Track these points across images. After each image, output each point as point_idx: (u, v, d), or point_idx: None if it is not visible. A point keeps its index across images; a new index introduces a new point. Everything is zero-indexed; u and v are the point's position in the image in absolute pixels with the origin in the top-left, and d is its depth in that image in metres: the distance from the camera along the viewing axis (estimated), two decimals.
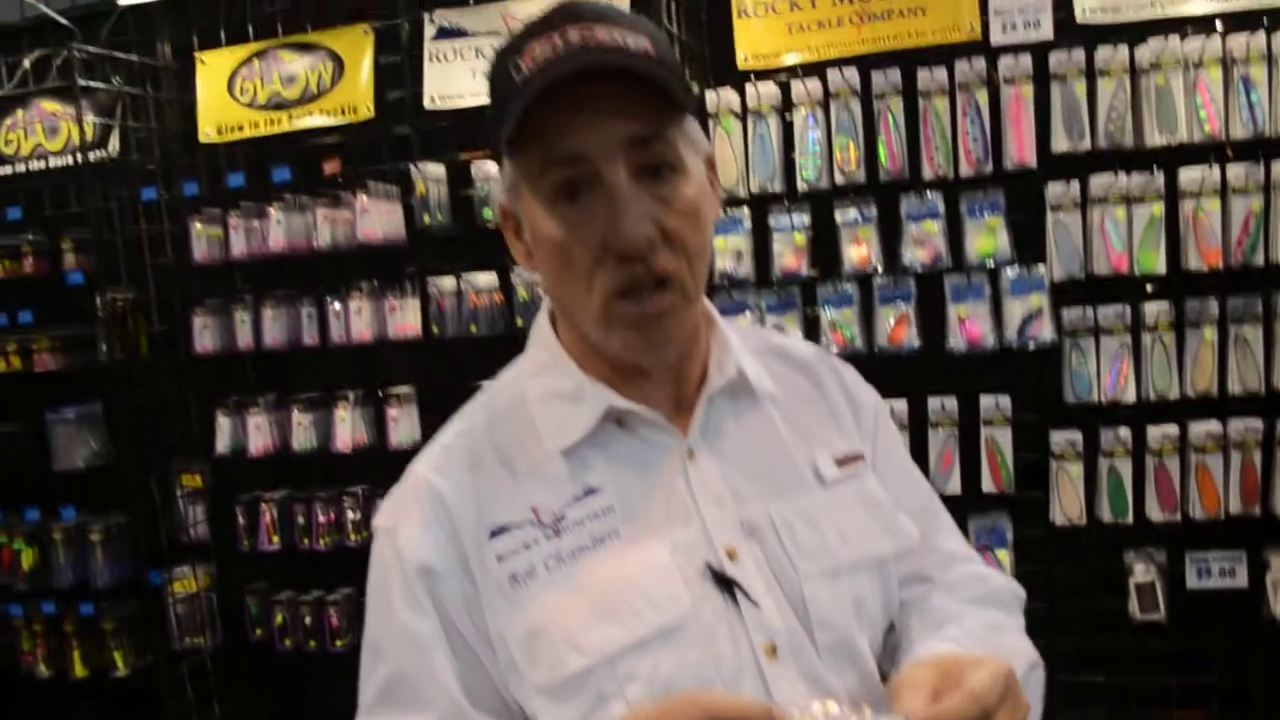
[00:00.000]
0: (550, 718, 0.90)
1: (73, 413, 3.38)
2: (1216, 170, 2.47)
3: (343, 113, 3.10)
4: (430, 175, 2.96)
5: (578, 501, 0.95)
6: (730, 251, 2.71)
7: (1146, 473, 2.56)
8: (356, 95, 3.09)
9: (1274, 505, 2.49)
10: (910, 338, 2.64)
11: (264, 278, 3.23)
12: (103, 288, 3.19)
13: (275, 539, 3.19)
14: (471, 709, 0.92)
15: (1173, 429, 2.54)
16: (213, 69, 3.22)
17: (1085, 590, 2.65)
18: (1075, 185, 2.54)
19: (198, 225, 3.15)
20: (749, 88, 2.70)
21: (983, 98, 2.57)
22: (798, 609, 0.95)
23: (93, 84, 3.17)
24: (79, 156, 3.22)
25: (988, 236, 2.59)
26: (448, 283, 2.98)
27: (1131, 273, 2.53)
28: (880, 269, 2.66)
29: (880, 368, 2.61)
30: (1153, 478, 2.55)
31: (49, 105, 3.40)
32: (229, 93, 3.20)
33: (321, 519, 3.14)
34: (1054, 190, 2.56)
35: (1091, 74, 2.51)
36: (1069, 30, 2.55)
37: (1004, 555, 2.63)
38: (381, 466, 3.10)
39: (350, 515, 3.13)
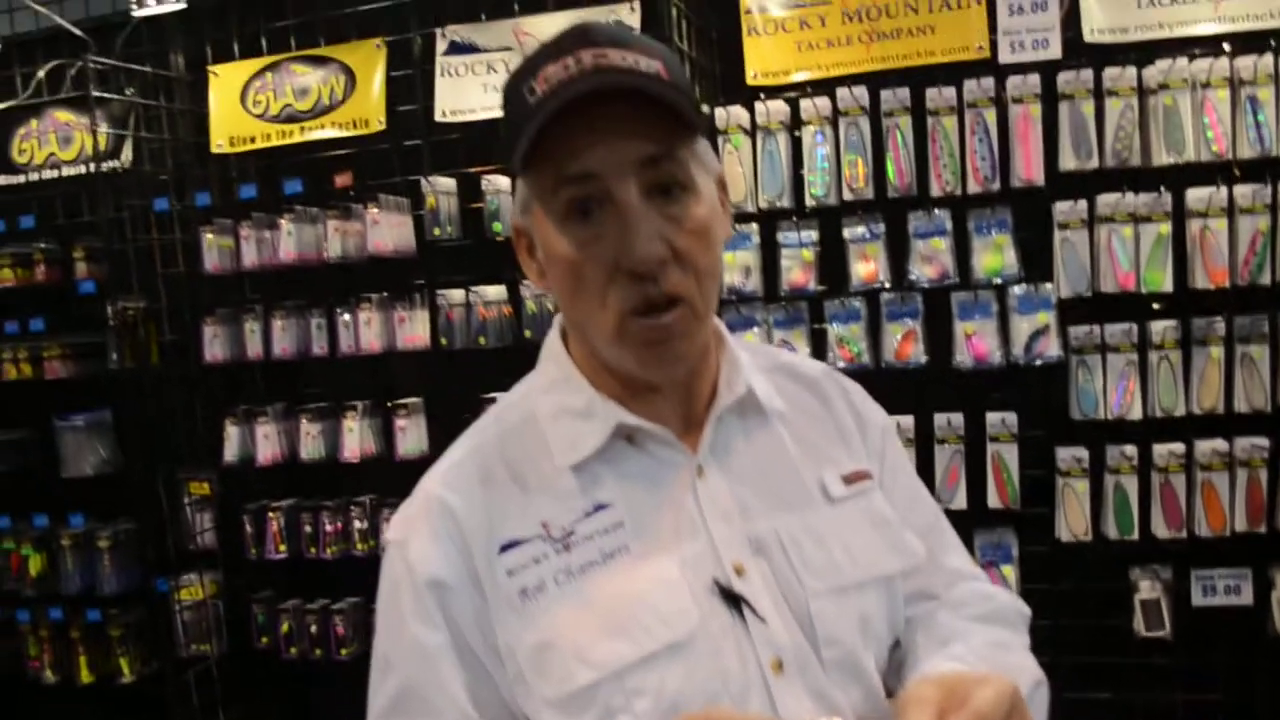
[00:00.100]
0: None
1: (82, 420, 3.40)
2: (1224, 190, 2.48)
3: (354, 126, 3.13)
4: (440, 188, 2.99)
5: (588, 517, 0.96)
6: (739, 267, 2.72)
7: (1152, 490, 2.56)
8: (368, 108, 3.11)
9: (1279, 523, 2.49)
10: (917, 354, 2.65)
11: (274, 288, 3.26)
12: (114, 296, 3.22)
13: (282, 547, 3.20)
14: None
15: (1179, 446, 2.54)
16: (226, 81, 3.25)
17: (1090, 607, 2.65)
18: (1083, 204, 2.55)
19: (209, 235, 3.17)
20: (758, 105, 2.72)
21: (991, 116, 2.58)
22: (804, 625, 0.95)
23: (106, 95, 3.21)
24: (92, 166, 3.25)
25: (995, 254, 2.60)
26: (457, 295, 3.00)
27: (1138, 291, 2.53)
28: (888, 285, 2.67)
29: (887, 383, 2.62)
30: (1158, 495, 2.55)
31: (63, 115, 3.43)
32: (241, 104, 3.23)
33: (328, 528, 3.16)
34: (1061, 208, 2.57)
35: (1099, 93, 2.53)
36: (1077, 50, 2.57)
37: (1009, 571, 2.64)
38: (389, 477, 3.12)
39: (357, 525, 3.14)
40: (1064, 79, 2.55)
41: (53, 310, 3.41)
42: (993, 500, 2.65)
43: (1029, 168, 2.57)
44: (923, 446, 2.68)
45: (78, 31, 3.23)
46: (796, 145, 2.73)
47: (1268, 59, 2.44)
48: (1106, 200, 2.54)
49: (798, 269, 2.72)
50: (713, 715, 0.78)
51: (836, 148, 2.69)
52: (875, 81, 2.68)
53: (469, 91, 2.99)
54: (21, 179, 3.48)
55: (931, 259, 2.63)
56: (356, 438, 3.12)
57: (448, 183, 3.01)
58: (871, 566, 1.01)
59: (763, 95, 2.75)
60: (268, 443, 3.18)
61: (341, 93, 3.14)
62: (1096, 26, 2.56)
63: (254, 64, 3.22)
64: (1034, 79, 2.56)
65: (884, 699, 0.99)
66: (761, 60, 2.77)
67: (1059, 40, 2.55)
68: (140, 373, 3.27)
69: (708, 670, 0.91)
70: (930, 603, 1.09)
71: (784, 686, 0.92)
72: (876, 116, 2.67)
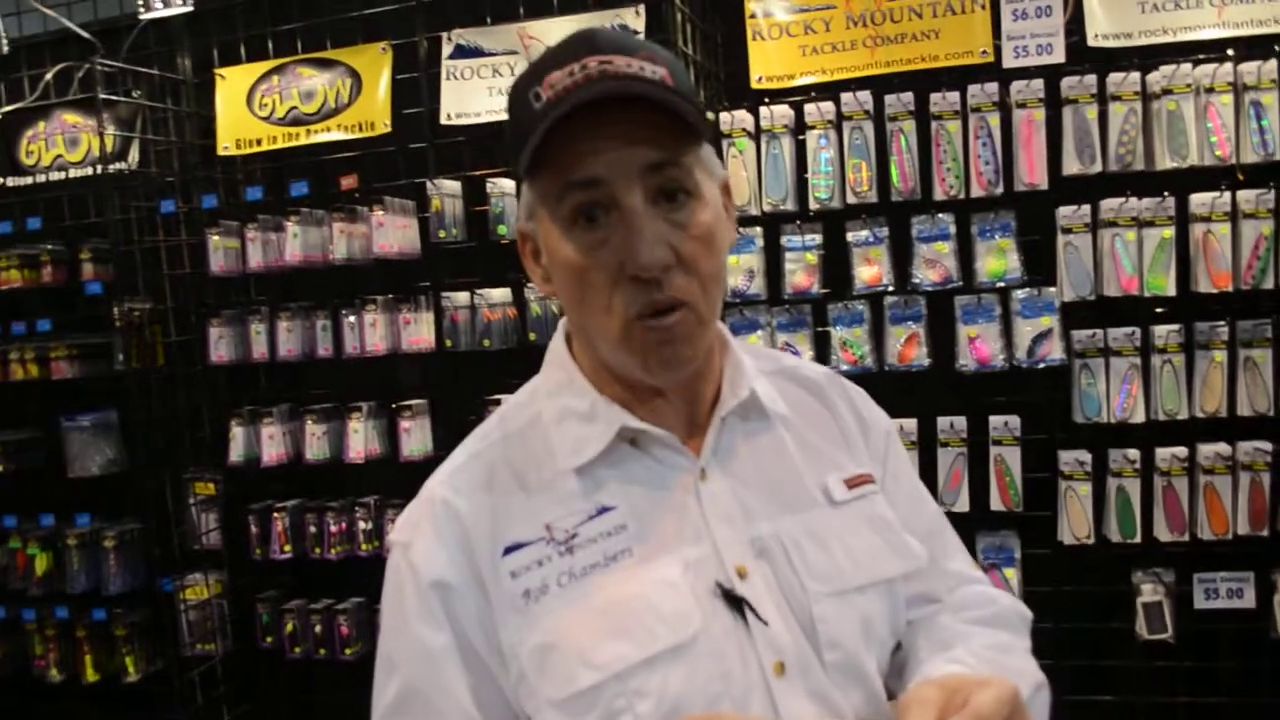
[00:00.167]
0: None
1: (88, 420, 3.42)
2: (1227, 194, 2.48)
3: (360, 128, 3.14)
4: (445, 191, 3.00)
5: (591, 519, 0.97)
6: (743, 269, 2.73)
7: (1155, 493, 2.56)
8: (374, 111, 3.12)
9: None
10: (920, 357, 2.66)
11: (280, 290, 3.27)
12: (120, 298, 3.24)
13: (287, 548, 3.21)
14: None
15: (1181, 450, 2.55)
16: (232, 84, 3.26)
17: (1092, 610, 2.66)
18: (1086, 208, 2.56)
19: (215, 237, 3.18)
20: (763, 109, 2.73)
21: (994, 120, 2.59)
22: (806, 628, 0.96)
23: (114, 97, 3.23)
24: (99, 168, 3.26)
25: (998, 257, 2.61)
26: (461, 297, 3.01)
27: (1141, 295, 2.54)
28: (891, 288, 2.68)
29: (890, 386, 2.63)
30: (1161, 498, 2.56)
31: (70, 117, 3.45)
32: (248, 107, 3.24)
33: (333, 529, 3.17)
34: (1065, 212, 2.57)
35: (1103, 98, 2.53)
36: (1081, 54, 2.57)
37: (1012, 574, 2.64)
38: (393, 477, 3.13)
39: (362, 525, 3.15)
40: (1068, 83, 2.55)
41: (59, 311, 3.43)
42: (995, 503, 2.65)
43: (1032, 172, 2.58)
44: (925, 449, 2.68)
45: (85, 34, 3.24)
46: (801, 149, 2.73)
47: (1271, 64, 2.45)
48: (1110, 204, 2.54)
49: (801, 272, 2.73)
50: (714, 718, 0.79)
51: (840, 151, 2.70)
52: (879, 85, 2.69)
53: (474, 95, 3.01)
54: (29, 180, 3.50)
55: (935, 262, 2.64)
56: (361, 439, 3.13)
57: (453, 185, 3.02)
58: (873, 570, 1.02)
59: (767, 99, 2.76)
60: (273, 443, 3.19)
61: (347, 96, 3.15)
62: (1100, 31, 2.56)
63: (260, 67, 3.24)
64: (1038, 83, 2.57)
65: (885, 702, 0.99)
66: (766, 64, 2.78)
67: (1063, 45, 2.56)
68: (146, 373, 3.28)
69: (710, 672, 0.91)
70: (932, 606, 1.10)
71: (785, 689, 0.93)
72: (880, 120, 2.68)
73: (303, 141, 3.20)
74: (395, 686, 0.96)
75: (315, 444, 3.17)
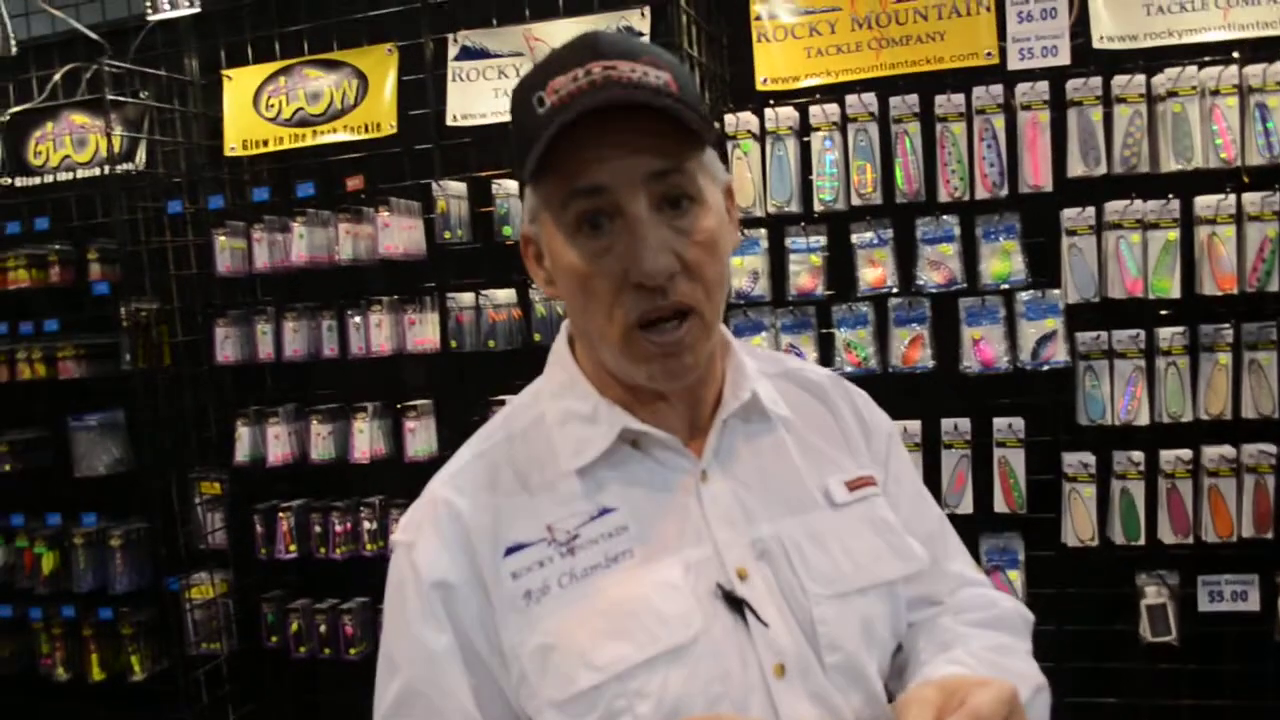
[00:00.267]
0: None
1: (95, 420, 3.44)
2: (1232, 197, 2.48)
3: (366, 129, 3.15)
4: (451, 192, 3.00)
5: (592, 521, 0.97)
6: (747, 271, 2.74)
7: (1159, 495, 2.56)
8: (380, 112, 3.13)
9: None
10: (924, 358, 2.66)
11: (286, 290, 3.28)
12: (127, 298, 3.25)
13: (292, 547, 3.22)
14: None
15: (1186, 452, 2.54)
16: (239, 85, 3.28)
17: (1096, 612, 2.66)
18: (1091, 210, 2.56)
19: (221, 238, 3.19)
20: (768, 110, 2.73)
21: (999, 123, 2.59)
22: (806, 630, 0.97)
23: (121, 98, 3.24)
24: (106, 169, 3.28)
25: (1003, 259, 2.61)
26: (467, 298, 3.02)
27: (1146, 297, 2.54)
28: (896, 290, 2.68)
29: (894, 388, 2.63)
30: (1165, 500, 2.56)
31: (78, 118, 3.46)
32: (255, 108, 3.25)
33: (338, 528, 3.18)
34: (1069, 214, 2.57)
35: (1108, 100, 2.53)
36: (1086, 57, 2.57)
37: (1015, 576, 2.64)
38: (398, 478, 3.14)
39: (366, 525, 3.16)
40: (1073, 86, 2.55)
41: (67, 311, 3.45)
42: (999, 505, 2.65)
43: (1037, 174, 2.58)
44: (930, 451, 2.68)
45: (93, 35, 3.26)
46: (805, 151, 2.74)
47: (1277, 66, 2.45)
48: (1114, 207, 2.54)
49: (806, 274, 2.73)
50: (714, 719, 0.80)
51: (845, 153, 2.70)
52: (884, 87, 2.69)
53: (480, 96, 3.01)
54: (37, 181, 3.51)
55: (939, 264, 2.64)
56: (366, 439, 3.14)
57: (458, 186, 3.03)
58: (874, 572, 1.02)
59: (772, 101, 2.76)
60: (278, 443, 3.20)
61: (354, 97, 3.16)
62: (1105, 33, 2.56)
63: (267, 68, 3.25)
64: (1043, 85, 2.57)
65: (885, 703, 0.99)
66: (771, 66, 2.78)
67: (1068, 47, 2.56)
68: (153, 373, 3.29)
69: (710, 673, 0.92)
70: (933, 608, 1.10)
71: (785, 690, 0.93)
72: (885, 122, 2.68)
73: (309, 142, 3.21)
74: (397, 687, 0.97)
75: (320, 444, 3.18)
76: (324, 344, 3.17)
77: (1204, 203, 2.50)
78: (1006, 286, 2.61)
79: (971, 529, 2.65)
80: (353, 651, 3.16)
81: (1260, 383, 2.50)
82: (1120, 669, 2.65)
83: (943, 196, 2.64)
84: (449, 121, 3.04)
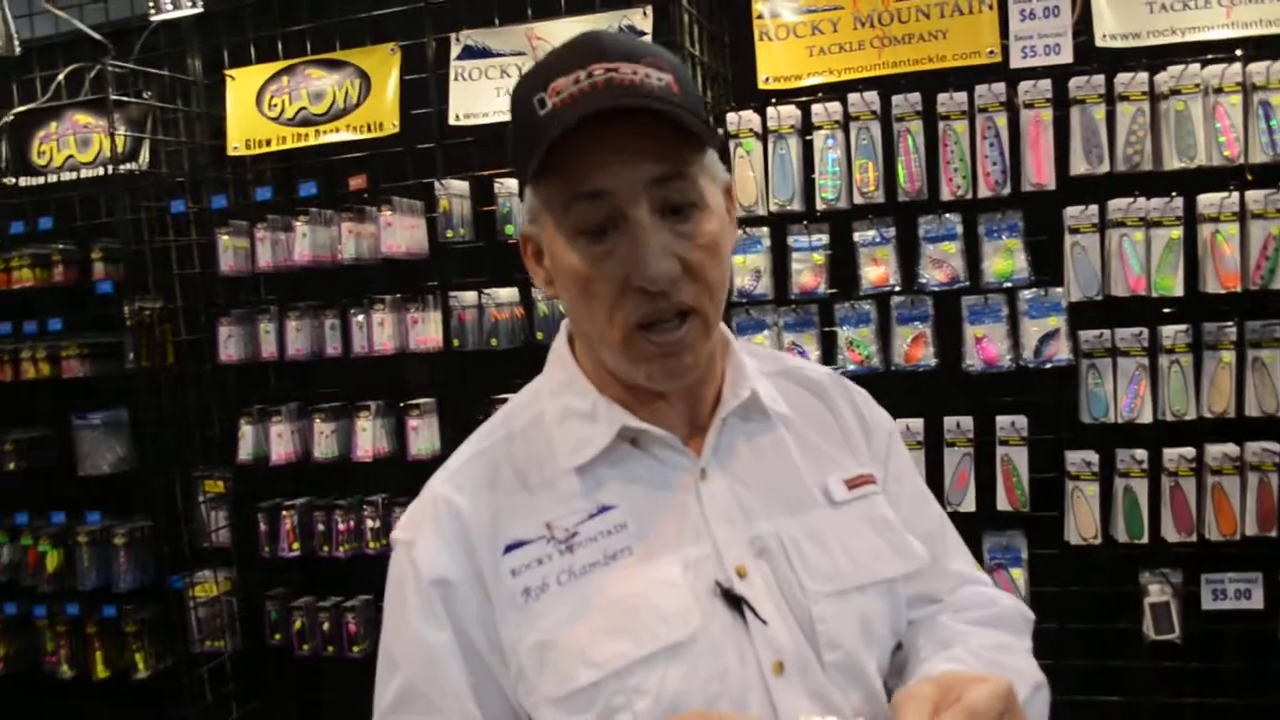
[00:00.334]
0: None
1: (99, 418, 3.44)
2: (1235, 195, 2.47)
3: (369, 129, 3.16)
4: (453, 191, 3.01)
5: (591, 518, 0.97)
6: (749, 269, 2.74)
7: (1162, 494, 2.56)
8: (382, 112, 3.14)
9: None
10: (927, 357, 2.66)
11: (289, 289, 3.29)
12: (131, 297, 3.26)
13: (295, 546, 3.23)
14: (483, 718, 0.95)
15: (1189, 451, 2.54)
16: (242, 84, 3.28)
17: (1100, 610, 2.65)
18: (1094, 208, 2.55)
19: (224, 237, 3.20)
20: (770, 109, 2.73)
21: (1002, 121, 2.59)
22: (805, 628, 0.97)
23: (125, 98, 3.25)
24: (110, 168, 3.28)
25: (1005, 258, 2.61)
26: (469, 297, 3.03)
27: (1149, 295, 2.53)
28: (898, 288, 2.68)
29: (897, 386, 2.64)
30: (1168, 499, 2.55)
31: (82, 118, 3.47)
32: (258, 108, 3.26)
33: (341, 527, 3.18)
34: (1072, 213, 2.57)
35: (1111, 98, 2.53)
36: (1089, 55, 2.57)
37: (1018, 574, 2.64)
38: (401, 476, 3.14)
39: (369, 523, 3.17)
40: (1075, 84, 2.55)
41: (71, 310, 3.45)
42: (1002, 503, 2.65)
43: (1040, 172, 2.57)
44: (932, 449, 2.68)
45: (97, 36, 3.27)
46: (808, 149, 2.74)
47: None
48: (1117, 205, 2.54)
49: (808, 272, 2.73)
50: (710, 717, 0.80)
51: (847, 152, 2.70)
52: (886, 86, 2.69)
53: (482, 95, 3.02)
54: (41, 180, 3.52)
55: (942, 263, 2.64)
56: (369, 437, 3.14)
57: (460, 185, 3.04)
58: (873, 570, 1.02)
59: (774, 99, 2.76)
60: (282, 442, 3.21)
61: (356, 96, 3.17)
62: (1108, 31, 2.56)
63: (270, 68, 3.26)
64: (1045, 84, 2.57)
65: (884, 702, 0.99)
66: (773, 65, 2.78)
67: (1070, 45, 2.55)
68: (156, 372, 3.30)
69: (708, 671, 0.92)
70: (933, 606, 1.10)
71: (784, 688, 0.93)
72: (887, 121, 2.68)
73: (312, 142, 3.22)
74: (396, 684, 0.97)
75: (324, 442, 3.19)
76: (327, 343, 3.17)
77: (1207, 200, 2.50)
78: (1009, 285, 2.61)
79: (974, 527, 2.65)
80: (356, 649, 3.16)
81: (1264, 381, 2.50)
82: (1123, 667, 2.65)
83: (945, 195, 2.64)
84: (451, 121, 3.04)
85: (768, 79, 2.78)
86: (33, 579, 3.48)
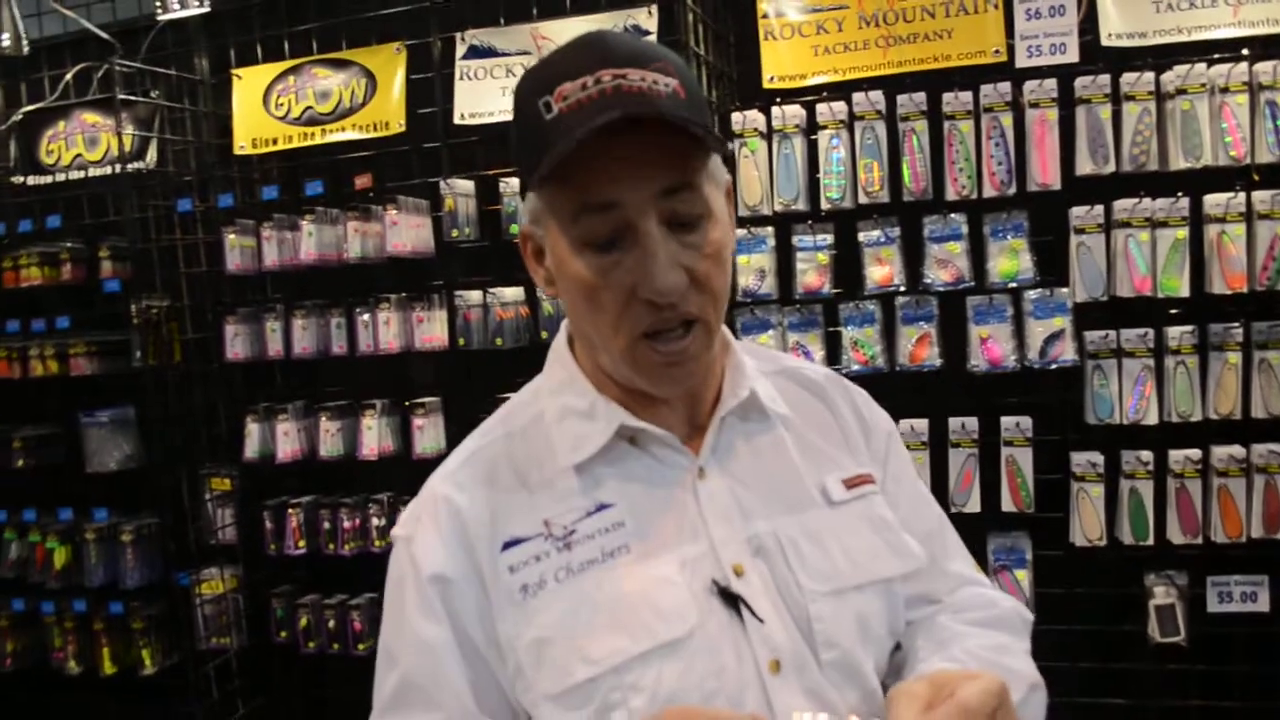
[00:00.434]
0: None
1: (106, 416, 3.46)
2: (1242, 195, 2.46)
3: (374, 128, 3.16)
4: (459, 190, 3.02)
5: (589, 516, 0.98)
6: (754, 269, 2.73)
7: (1168, 495, 2.55)
8: (388, 111, 3.15)
9: None
10: (932, 357, 2.66)
11: (295, 288, 3.30)
12: (138, 295, 3.27)
13: (301, 543, 3.24)
14: (480, 714, 0.95)
15: (1195, 452, 2.53)
16: (249, 84, 3.29)
17: (1105, 612, 2.65)
18: (1099, 208, 2.55)
19: (231, 236, 3.21)
20: (775, 108, 2.73)
21: (1007, 120, 2.58)
22: (802, 626, 0.97)
23: (132, 97, 3.26)
24: (117, 167, 3.30)
25: (1011, 258, 2.60)
26: (474, 295, 3.03)
27: (1155, 296, 2.53)
28: (903, 289, 2.67)
29: (901, 387, 2.63)
30: (1174, 500, 2.54)
31: (89, 117, 3.49)
32: (264, 107, 3.27)
33: (347, 525, 3.19)
34: (1078, 213, 2.56)
35: (1117, 98, 2.52)
36: (1094, 54, 2.56)
37: (1023, 575, 2.63)
38: (406, 474, 3.15)
39: (375, 521, 3.18)
40: (1081, 83, 2.54)
41: (78, 308, 3.47)
42: (1007, 504, 2.64)
43: (1045, 172, 2.57)
44: (937, 449, 2.68)
45: (104, 35, 3.28)
46: (812, 149, 2.73)
47: None
48: (1123, 205, 2.53)
49: (813, 272, 2.73)
50: (706, 713, 0.80)
51: (852, 151, 2.70)
52: (891, 85, 2.69)
53: (488, 95, 3.02)
54: (49, 179, 3.54)
55: (947, 263, 2.64)
56: (375, 436, 3.15)
57: (466, 185, 3.04)
58: (870, 569, 1.02)
59: (779, 99, 2.76)
60: (288, 440, 3.22)
61: (362, 96, 3.17)
62: (1114, 31, 2.55)
63: (276, 67, 3.27)
64: (1051, 83, 2.56)
65: (881, 701, 0.99)
66: (778, 64, 2.78)
67: (1076, 45, 2.55)
68: (163, 370, 3.32)
69: (704, 668, 0.92)
70: (931, 607, 1.10)
71: (781, 686, 0.94)
72: (893, 120, 2.68)
73: (318, 141, 3.23)
74: (395, 679, 0.97)
75: (329, 441, 3.20)
76: (333, 341, 3.18)
77: (1213, 201, 2.49)
78: (1014, 285, 2.60)
79: (979, 528, 2.64)
80: (361, 647, 3.17)
81: (1270, 382, 2.49)
82: (1128, 669, 2.64)
83: (950, 195, 2.63)
84: (457, 120, 3.05)
85: (773, 78, 2.78)
86: (40, 575, 3.50)
